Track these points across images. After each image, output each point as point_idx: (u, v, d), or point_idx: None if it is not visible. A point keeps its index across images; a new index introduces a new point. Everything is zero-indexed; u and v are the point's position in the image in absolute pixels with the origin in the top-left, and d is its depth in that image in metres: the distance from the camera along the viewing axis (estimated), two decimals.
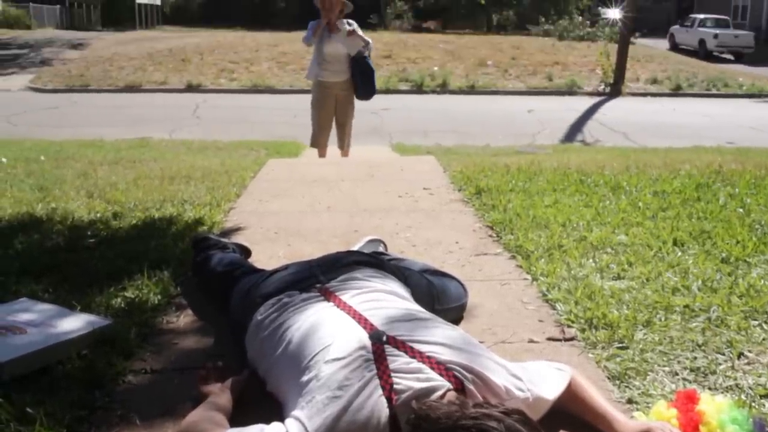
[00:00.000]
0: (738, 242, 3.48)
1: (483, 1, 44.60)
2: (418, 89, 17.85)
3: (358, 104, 7.28)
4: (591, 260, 3.22)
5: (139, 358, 2.29)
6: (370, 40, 7.06)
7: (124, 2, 43.52)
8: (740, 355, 2.31)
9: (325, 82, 7.07)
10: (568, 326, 2.54)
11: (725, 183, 4.98)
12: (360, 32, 6.96)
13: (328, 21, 6.82)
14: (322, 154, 7.25)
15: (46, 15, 37.71)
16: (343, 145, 7.32)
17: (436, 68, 19.68)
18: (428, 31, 40.02)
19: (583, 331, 2.49)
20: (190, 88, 17.44)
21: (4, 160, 6.21)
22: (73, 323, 2.37)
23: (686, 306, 2.68)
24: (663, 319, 2.57)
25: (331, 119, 7.22)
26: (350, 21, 7.00)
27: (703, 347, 2.36)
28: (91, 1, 42.42)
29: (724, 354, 2.32)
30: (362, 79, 7.02)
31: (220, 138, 9.51)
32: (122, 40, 26.63)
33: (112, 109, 14.32)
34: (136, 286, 2.86)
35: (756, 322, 2.56)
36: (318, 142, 7.24)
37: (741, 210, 4.15)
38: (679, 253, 3.32)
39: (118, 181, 5.13)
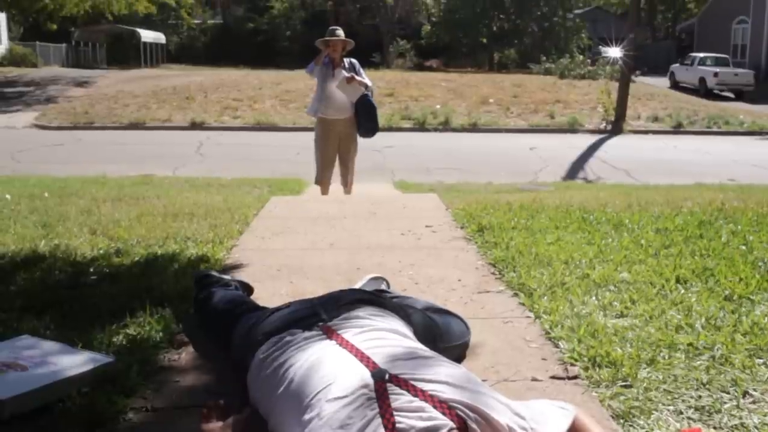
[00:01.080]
0: (741, 280, 3.47)
1: (485, 40, 45.14)
2: (421, 127, 17.96)
3: (361, 141, 7.33)
4: (594, 298, 3.21)
5: (140, 395, 2.27)
6: (370, 83, 7.18)
7: (129, 41, 43.97)
8: (745, 393, 2.30)
9: (327, 119, 7.17)
10: (572, 364, 2.52)
11: (727, 220, 4.98)
12: (362, 74, 7.09)
13: (332, 58, 6.98)
14: (324, 192, 7.35)
15: (53, 53, 38.10)
16: (347, 183, 7.39)
17: (438, 106, 19.81)
18: (430, 69, 40.41)
19: (586, 369, 2.47)
20: (194, 126, 17.57)
21: (8, 196, 6.23)
22: (75, 360, 2.36)
23: (690, 344, 2.67)
24: (667, 357, 2.56)
25: (334, 156, 7.30)
26: (353, 60, 7.15)
27: (707, 386, 2.34)
28: (96, 39, 42.84)
29: (728, 393, 2.30)
30: (364, 117, 7.09)
31: (223, 175, 9.56)
32: (127, 78, 26.88)
33: (116, 146, 14.41)
34: (138, 323, 2.85)
35: (761, 361, 2.54)
36: (322, 179, 7.31)
37: (744, 247, 4.14)
38: (682, 291, 3.31)
39: (121, 217, 5.14)
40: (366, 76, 7.22)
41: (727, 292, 3.28)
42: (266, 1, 50.14)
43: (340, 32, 7.11)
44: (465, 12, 42.37)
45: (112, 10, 28.61)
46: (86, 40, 41.90)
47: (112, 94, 21.76)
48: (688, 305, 3.10)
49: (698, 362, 2.52)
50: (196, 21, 53.42)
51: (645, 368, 2.46)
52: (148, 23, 44.76)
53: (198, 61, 46.60)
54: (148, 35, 42.02)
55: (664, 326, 2.85)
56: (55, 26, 30.48)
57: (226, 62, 43.89)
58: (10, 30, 37.26)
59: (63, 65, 37.48)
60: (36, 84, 25.63)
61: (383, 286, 3.15)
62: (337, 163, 7.40)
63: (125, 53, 43.65)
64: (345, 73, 6.91)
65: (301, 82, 22.19)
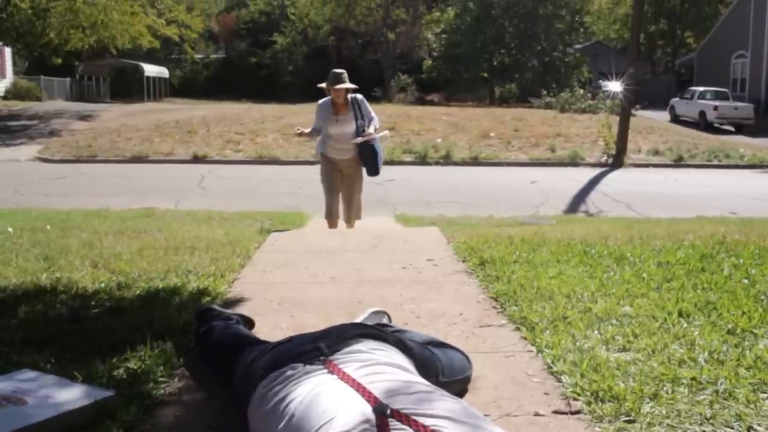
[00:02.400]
0: (744, 313, 3.46)
1: (486, 74, 45.44)
2: (422, 161, 18.03)
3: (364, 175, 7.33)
4: (596, 332, 3.20)
5: (140, 430, 2.26)
6: (376, 120, 7.17)
7: (133, 75, 44.34)
8: (749, 428, 2.28)
9: (330, 157, 7.22)
10: (574, 399, 2.51)
11: (729, 254, 4.97)
12: (367, 110, 7.11)
13: (335, 103, 7.00)
14: (332, 225, 7.32)
15: (57, 87, 38.39)
16: (349, 219, 7.37)
17: (439, 140, 19.90)
18: (432, 103, 40.70)
19: (589, 404, 2.45)
20: (196, 159, 17.65)
21: (10, 229, 6.24)
22: (74, 394, 2.35)
23: (693, 378, 2.65)
24: (670, 391, 2.54)
25: (340, 187, 7.31)
26: (358, 97, 7.15)
27: (711, 420, 2.33)
28: (100, 73, 43.19)
29: (732, 428, 2.28)
30: (365, 161, 7.13)
31: (225, 208, 9.57)
32: (130, 111, 27.07)
33: (118, 179, 14.46)
34: (139, 357, 2.84)
35: (765, 395, 2.52)
36: (329, 213, 7.29)
37: (746, 281, 4.13)
38: (685, 325, 3.30)
39: (123, 251, 5.14)
40: (372, 110, 7.23)
41: (729, 326, 3.27)
42: (269, 35, 50.63)
43: (345, 78, 7.04)
44: (466, 47, 42.70)
45: (116, 44, 28.86)
46: (90, 74, 42.25)
47: (115, 127, 21.89)
48: (690, 339, 3.09)
49: (702, 397, 2.50)
50: (199, 55, 53.85)
51: (648, 403, 2.45)
52: (152, 57, 45.13)
53: (201, 94, 46.97)
54: (151, 69, 42.37)
55: (667, 360, 2.84)
56: (59, 60, 30.76)
57: (228, 96, 44.22)
58: (15, 64, 37.58)
59: (67, 99, 37.77)
60: (40, 117, 25.80)
61: (384, 320, 3.14)
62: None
63: (129, 87, 44.03)
64: (364, 138, 6.93)
65: (302, 116, 22.28)
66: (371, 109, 7.25)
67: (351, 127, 7.02)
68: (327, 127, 7.08)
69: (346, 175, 7.27)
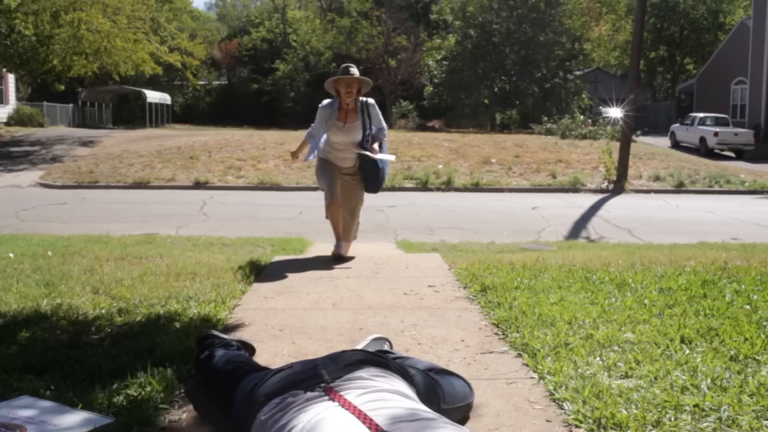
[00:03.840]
0: (746, 339, 3.45)
1: (486, 101, 45.69)
2: (423, 186, 18.05)
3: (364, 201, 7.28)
4: (598, 358, 3.19)
5: None
6: (386, 130, 6.54)
7: (135, 101, 44.67)
8: None
9: (330, 162, 6.51)
10: (576, 426, 2.49)
11: (731, 279, 4.96)
12: (378, 118, 6.44)
13: (342, 108, 6.28)
14: (335, 213, 6.48)
15: (59, 113, 38.58)
16: (349, 236, 6.66)
17: (440, 166, 19.95)
18: (433, 129, 40.90)
19: (591, 431, 2.44)
20: (198, 185, 17.69)
21: (11, 255, 6.24)
22: (74, 421, 2.34)
23: (696, 405, 2.64)
24: (673, 419, 2.53)
25: (339, 182, 6.49)
26: (368, 101, 6.42)
27: None
28: (103, 99, 43.48)
29: None
30: (367, 176, 6.46)
31: (227, 234, 9.57)
32: (132, 137, 27.16)
33: (120, 205, 14.48)
34: (139, 384, 2.83)
35: None
36: (332, 207, 6.43)
37: (748, 307, 4.12)
38: (687, 351, 3.29)
39: (124, 277, 5.14)
40: (382, 118, 6.54)
41: (732, 353, 3.26)
42: (270, 62, 51.01)
43: (355, 70, 6.27)
44: (467, 73, 42.99)
45: (119, 71, 29.11)
46: (93, 101, 42.52)
47: (117, 153, 21.96)
48: (693, 366, 3.08)
49: (705, 424, 2.49)
50: (201, 82, 54.25)
51: (651, 430, 2.43)
52: (154, 84, 45.52)
53: (202, 121, 47.29)
54: (153, 96, 42.63)
55: (670, 387, 2.83)
56: (62, 87, 30.99)
57: (230, 122, 44.52)
58: (18, 90, 37.81)
59: (69, 125, 37.95)
60: (42, 143, 25.92)
61: (386, 347, 3.13)
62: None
63: (131, 113, 44.36)
64: (368, 153, 6.26)
65: None
66: (381, 117, 6.57)
67: (357, 137, 6.32)
68: (330, 133, 6.37)
69: (346, 181, 6.53)
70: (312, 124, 6.54)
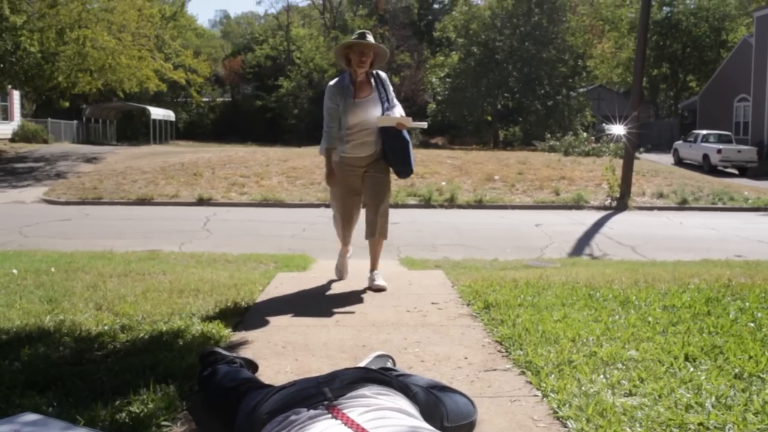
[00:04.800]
0: (750, 357, 3.43)
1: (489, 118, 45.80)
2: (427, 203, 18.06)
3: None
4: (602, 376, 3.18)
5: None
6: (402, 116, 5.53)
7: (139, 118, 44.90)
8: None
9: (346, 158, 5.50)
10: None
11: (735, 297, 4.95)
12: (392, 95, 5.56)
13: (354, 81, 5.42)
14: (345, 252, 5.97)
15: (64, 130, 38.75)
16: (374, 231, 5.60)
17: (444, 183, 19.96)
18: (436, 146, 40.99)
19: None
20: (201, 202, 17.73)
21: (14, 271, 6.24)
22: None
23: (701, 424, 2.62)
24: None
25: (357, 205, 5.66)
26: (380, 74, 5.56)
27: None
28: (107, 116, 43.68)
29: None
30: (395, 155, 5.48)
31: (230, 251, 9.57)
32: (136, 154, 27.25)
33: (123, 221, 14.50)
34: (142, 401, 2.82)
35: None
36: (344, 234, 5.84)
37: (752, 324, 4.11)
38: (691, 369, 3.27)
39: (127, 293, 5.14)
40: (395, 98, 5.63)
41: (736, 370, 3.25)
42: (274, 79, 51.26)
43: (371, 37, 5.50)
44: (470, 91, 43.12)
45: (124, 88, 29.26)
46: (97, 117, 42.73)
47: (121, 169, 22.02)
48: (697, 384, 3.06)
49: None
50: (205, 99, 54.53)
51: None
52: (158, 101, 45.73)
53: (206, 137, 47.48)
54: (157, 112, 42.83)
55: (674, 405, 2.82)
56: (67, 104, 31.15)
57: (234, 139, 44.67)
58: (23, 107, 37.97)
59: (74, 141, 38.12)
60: (46, 160, 26.02)
61: (389, 364, 3.13)
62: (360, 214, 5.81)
63: (135, 130, 44.58)
64: (388, 117, 5.38)
65: (307, 159, 22.47)
66: (394, 95, 5.65)
67: (376, 112, 5.40)
68: (344, 116, 5.36)
69: (370, 177, 5.52)
70: (325, 123, 5.51)
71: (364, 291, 5.44)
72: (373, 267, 5.71)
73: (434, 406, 2.40)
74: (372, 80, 5.48)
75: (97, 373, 3.17)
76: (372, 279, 5.58)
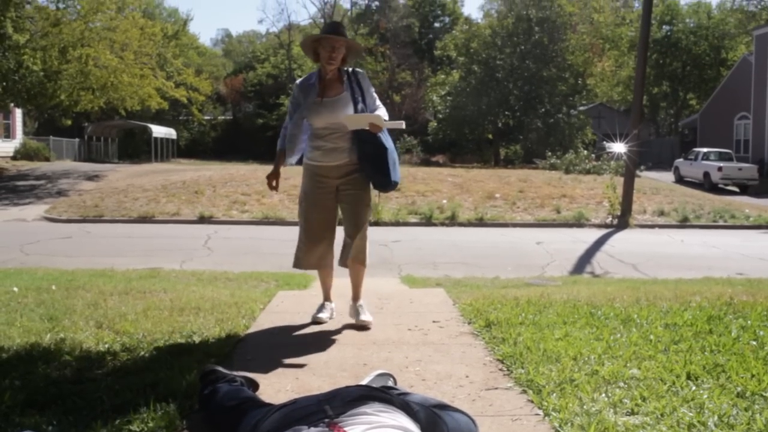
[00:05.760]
0: (753, 376, 3.42)
1: (490, 136, 45.91)
2: (428, 221, 18.05)
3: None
4: (603, 395, 3.17)
5: None
6: (380, 115, 4.59)
7: (141, 136, 45.03)
8: None
9: (316, 165, 4.74)
10: None
11: (737, 315, 4.94)
12: (372, 97, 4.75)
13: (323, 78, 4.68)
14: (324, 277, 5.11)
15: (65, 148, 38.85)
16: (345, 259, 4.88)
17: (445, 201, 19.97)
18: (437, 164, 41.07)
19: None
20: (202, 220, 17.73)
21: (15, 289, 6.24)
22: None
23: None
24: None
25: (330, 223, 4.83)
26: (358, 71, 4.79)
27: None
28: (109, 134, 43.81)
29: None
30: (372, 164, 4.63)
31: (231, 269, 9.56)
32: (137, 172, 27.30)
33: (124, 239, 14.50)
34: (142, 419, 2.81)
35: None
36: (306, 259, 4.92)
37: (754, 342, 4.09)
38: (694, 388, 3.26)
39: (128, 311, 5.13)
40: (377, 97, 4.82)
41: (739, 389, 3.23)
42: (275, 97, 51.41)
43: (344, 30, 4.77)
44: (471, 109, 43.26)
45: (126, 106, 29.38)
46: (99, 135, 42.85)
47: (122, 187, 22.05)
48: (699, 402, 3.05)
49: None
50: (206, 117, 54.70)
51: None
52: (160, 119, 45.89)
53: (208, 155, 47.58)
54: (159, 131, 42.95)
55: (676, 424, 2.80)
56: (69, 122, 31.27)
57: (235, 157, 44.75)
58: (25, 125, 38.12)
59: (75, 159, 38.20)
60: (48, 177, 26.06)
61: (390, 383, 3.12)
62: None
63: (137, 148, 44.68)
64: (358, 115, 4.55)
65: None
66: (376, 96, 4.82)
67: (346, 112, 4.59)
68: (311, 118, 4.64)
69: (344, 194, 4.74)
70: (285, 122, 4.85)
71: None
72: (356, 297, 4.96)
73: (435, 425, 2.39)
74: (345, 78, 4.70)
75: (97, 392, 3.16)
76: (356, 312, 4.86)
